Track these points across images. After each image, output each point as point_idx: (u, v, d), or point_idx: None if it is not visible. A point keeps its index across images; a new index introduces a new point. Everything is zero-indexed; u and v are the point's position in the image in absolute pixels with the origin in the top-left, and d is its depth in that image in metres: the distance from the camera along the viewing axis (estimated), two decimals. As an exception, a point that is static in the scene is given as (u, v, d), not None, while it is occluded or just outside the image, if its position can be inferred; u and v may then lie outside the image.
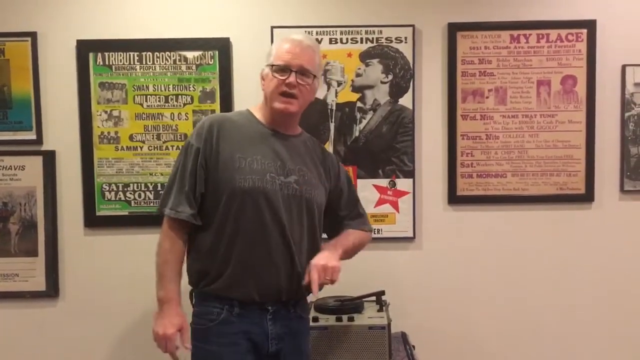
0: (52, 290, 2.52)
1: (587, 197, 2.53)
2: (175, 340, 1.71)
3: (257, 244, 1.71)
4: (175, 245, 1.74)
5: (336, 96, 2.52)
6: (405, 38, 2.50)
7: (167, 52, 2.49)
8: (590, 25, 2.50)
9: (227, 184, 1.72)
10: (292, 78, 1.74)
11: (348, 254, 1.90)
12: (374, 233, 2.51)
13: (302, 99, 1.79)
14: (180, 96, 2.51)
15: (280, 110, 1.76)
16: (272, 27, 2.46)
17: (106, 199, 2.52)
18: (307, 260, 1.78)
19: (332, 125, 2.52)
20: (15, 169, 2.51)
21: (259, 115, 1.84)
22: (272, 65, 1.77)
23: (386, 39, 2.50)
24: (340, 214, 1.96)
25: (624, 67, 2.51)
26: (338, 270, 1.74)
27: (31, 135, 2.50)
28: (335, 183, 1.94)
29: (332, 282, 1.73)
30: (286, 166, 1.78)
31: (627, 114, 2.53)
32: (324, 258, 1.75)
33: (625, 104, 2.52)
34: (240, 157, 1.73)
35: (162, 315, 1.72)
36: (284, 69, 1.75)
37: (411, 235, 2.54)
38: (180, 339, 1.72)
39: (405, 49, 2.50)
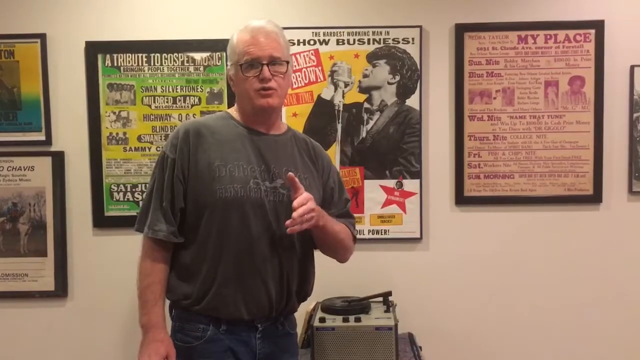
0: (60, 290, 2.54)
1: (595, 198, 2.52)
2: None
3: (243, 260, 1.59)
4: (155, 267, 1.61)
5: (343, 97, 2.52)
6: (413, 39, 2.50)
7: (175, 54, 2.50)
8: (598, 26, 2.49)
9: (207, 196, 1.58)
10: (265, 72, 1.58)
11: (328, 235, 1.68)
12: (381, 234, 2.53)
13: (281, 89, 1.64)
14: (188, 97, 2.52)
15: (263, 107, 1.62)
16: (280, 29, 2.46)
17: (115, 199, 2.53)
18: (298, 271, 1.68)
19: (339, 126, 2.52)
20: (24, 170, 2.53)
21: (238, 116, 1.69)
22: (240, 65, 1.60)
23: (393, 39, 2.50)
24: (328, 212, 1.71)
25: (632, 67, 2.50)
26: (314, 219, 1.57)
27: (40, 136, 2.52)
28: (326, 180, 1.78)
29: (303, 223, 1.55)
30: (271, 170, 1.63)
31: (635, 115, 2.52)
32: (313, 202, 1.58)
33: (634, 104, 2.51)
34: (220, 165, 1.59)
35: (147, 343, 1.58)
36: (253, 65, 1.59)
37: (418, 236, 2.53)
38: None
39: (413, 50, 2.50)
